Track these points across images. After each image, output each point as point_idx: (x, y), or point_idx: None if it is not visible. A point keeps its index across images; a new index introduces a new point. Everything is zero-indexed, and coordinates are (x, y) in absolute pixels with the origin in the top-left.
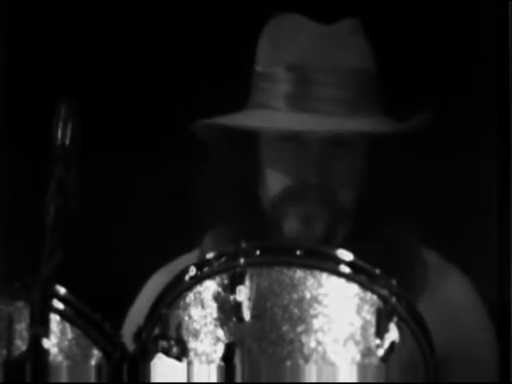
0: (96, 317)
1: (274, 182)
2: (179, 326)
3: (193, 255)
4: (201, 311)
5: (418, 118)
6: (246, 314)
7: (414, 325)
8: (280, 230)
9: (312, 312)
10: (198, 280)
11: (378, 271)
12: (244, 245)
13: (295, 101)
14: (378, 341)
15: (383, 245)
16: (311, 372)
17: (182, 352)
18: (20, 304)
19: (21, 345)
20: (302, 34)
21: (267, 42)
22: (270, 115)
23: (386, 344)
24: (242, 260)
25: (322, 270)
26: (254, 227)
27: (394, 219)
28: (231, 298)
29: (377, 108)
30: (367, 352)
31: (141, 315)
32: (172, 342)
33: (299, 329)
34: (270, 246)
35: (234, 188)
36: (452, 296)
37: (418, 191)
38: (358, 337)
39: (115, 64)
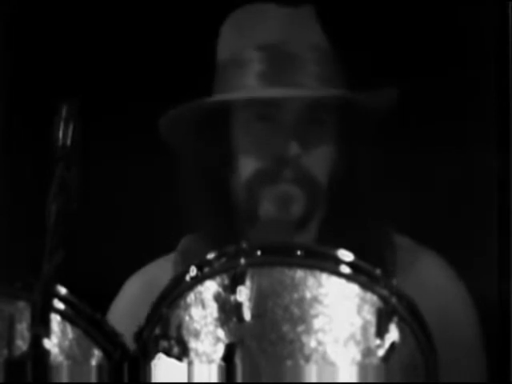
0: (97, 317)
1: (248, 164)
2: (180, 326)
3: (167, 258)
4: (201, 311)
5: (384, 92)
6: (247, 314)
7: (414, 325)
8: (255, 216)
9: (312, 312)
10: (198, 280)
11: (378, 271)
12: (244, 245)
13: (269, 77)
14: (378, 341)
15: (352, 229)
16: (311, 372)
17: (182, 352)
18: (21, 304)
19: (22, 345)
20: (268, 16)
21: (233, 28)
22: (246, 91)
23: (387, 344)
24: (242, 260)
25: (323, 270)
26: (232, 231)
27: (365, 205)
28: (232, 298)
29: (344, 85)
30: (368, 352)
31: (118, 318)
32: (173, 342)
33: (300, 329)
34: (270, 246)
35: (211, 190)
36: (425, 277)
37: (415, 191)
38: (359, 337)
39: (116, 64)
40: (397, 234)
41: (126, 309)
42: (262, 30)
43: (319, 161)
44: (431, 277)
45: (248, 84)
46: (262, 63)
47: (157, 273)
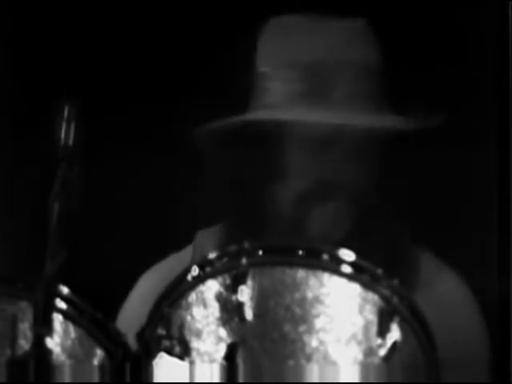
0: (99, 316)
1: (299, 181)
2: (182, 326)
3: (182, 254)
4: (203, 311)
5: (428, 117)
6: (248, 314)
7: (415, 324)
8: (301, 230)
9: (314, 312)
10: (200, 280)
11: (379, 271)
12: (246, 244)
13: (311, 99)
14: (379, 341)
15: (378, 243)
16: (313, 372)
17: (184, 351)
18: (23, 304)
19: (24, 344)
20: (312, 31)
21: (274, 42)
22: (295, 113)
23: (388, 344)
24: (244, 260)
25: (324, 269)
26: (246, 227)
27: (390, 218)
28: (233, 297)
29: (386, 105)
30: (369, 352)
31: (132, 315)
32: (174, 342)
33: (301, 328)
34: (272, 245)
35: (227, 188)
36: (444, 294)
37: (416, 191)
38: (360, 336)
39: (117, 64)
40: (419, 248)
41: (141, 305)
42: (307, 47)
43: (364, 182)
44: (450, 296)
45: (292, 104)
46: (306, 83)
47: (172, 268)
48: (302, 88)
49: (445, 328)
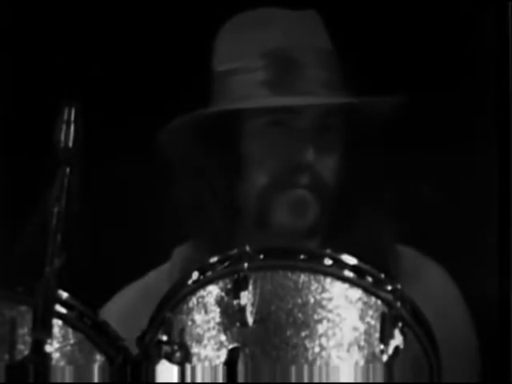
0: (99, 320)
1: (261, 172)
2: (182, 331)
3: (159, 271)
4: (204, 316)
5: (390, 99)
6: (250, 319)
7: (418, 330)
8: (267, 223)
9: (316, 317)
10: (200, 284)
11: (382, 276)
12: (247, 248)
13: (275, 86)
14: (382, 346)
15: (357, 238)
16: (315, 376)
17: (185, 357)
18: (23, 308)
19: (23, 349)
20: (271, 21)
21: (233, 36)
22: (253, 101)
23: (390, 349)
24: (245, 264)
25: (326, 274)
26: (224, 240)
27: (370, 214)
28: (235, 302)
29: (347, 89)
30: (371, 357)
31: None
32: (175, 347)
33: (303, 333)
34: (273, 249)
35: (203, 202)
36: (427, 287)
37: (415, 191)
38: (362, 342)
39: (118, 67)
40: (400, 243)
41: (119, 319)
42: (264, 36)
43: (330, 167)
44: (433, 287)
45: (254, 93)
46: (267, 71)
47: (151, 283)
48: (264, 77)
49: (430, 318)
